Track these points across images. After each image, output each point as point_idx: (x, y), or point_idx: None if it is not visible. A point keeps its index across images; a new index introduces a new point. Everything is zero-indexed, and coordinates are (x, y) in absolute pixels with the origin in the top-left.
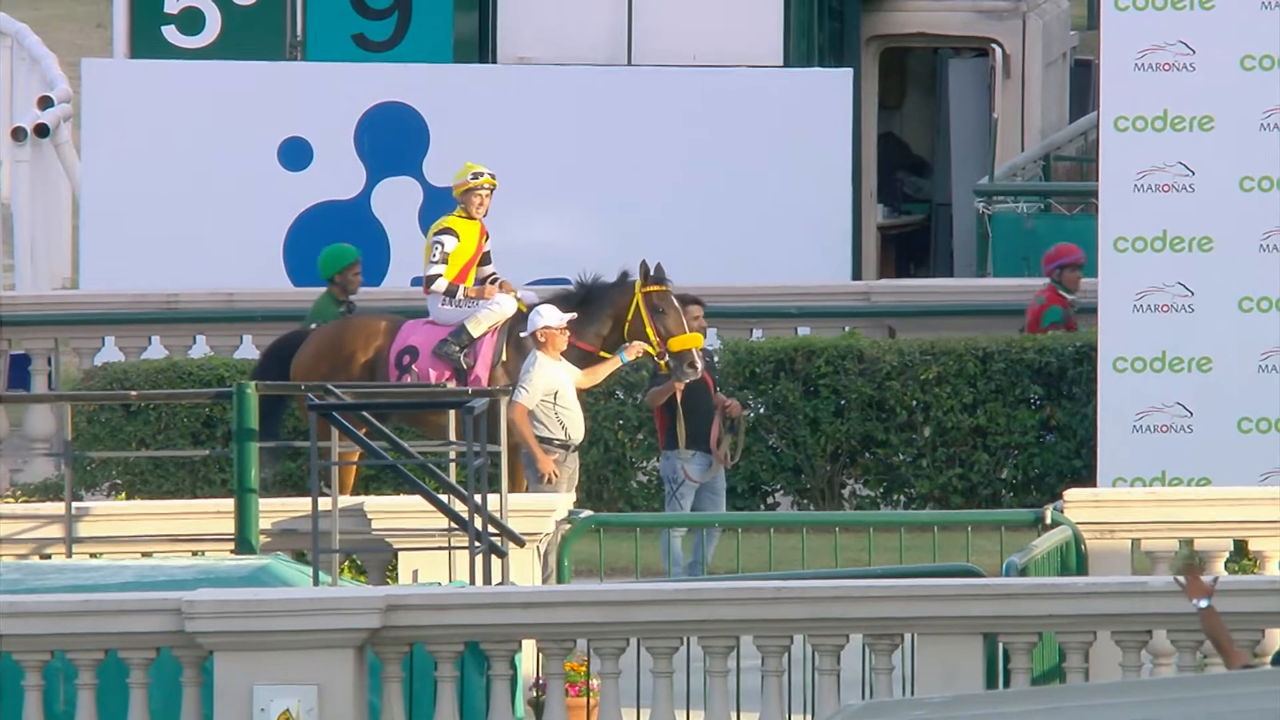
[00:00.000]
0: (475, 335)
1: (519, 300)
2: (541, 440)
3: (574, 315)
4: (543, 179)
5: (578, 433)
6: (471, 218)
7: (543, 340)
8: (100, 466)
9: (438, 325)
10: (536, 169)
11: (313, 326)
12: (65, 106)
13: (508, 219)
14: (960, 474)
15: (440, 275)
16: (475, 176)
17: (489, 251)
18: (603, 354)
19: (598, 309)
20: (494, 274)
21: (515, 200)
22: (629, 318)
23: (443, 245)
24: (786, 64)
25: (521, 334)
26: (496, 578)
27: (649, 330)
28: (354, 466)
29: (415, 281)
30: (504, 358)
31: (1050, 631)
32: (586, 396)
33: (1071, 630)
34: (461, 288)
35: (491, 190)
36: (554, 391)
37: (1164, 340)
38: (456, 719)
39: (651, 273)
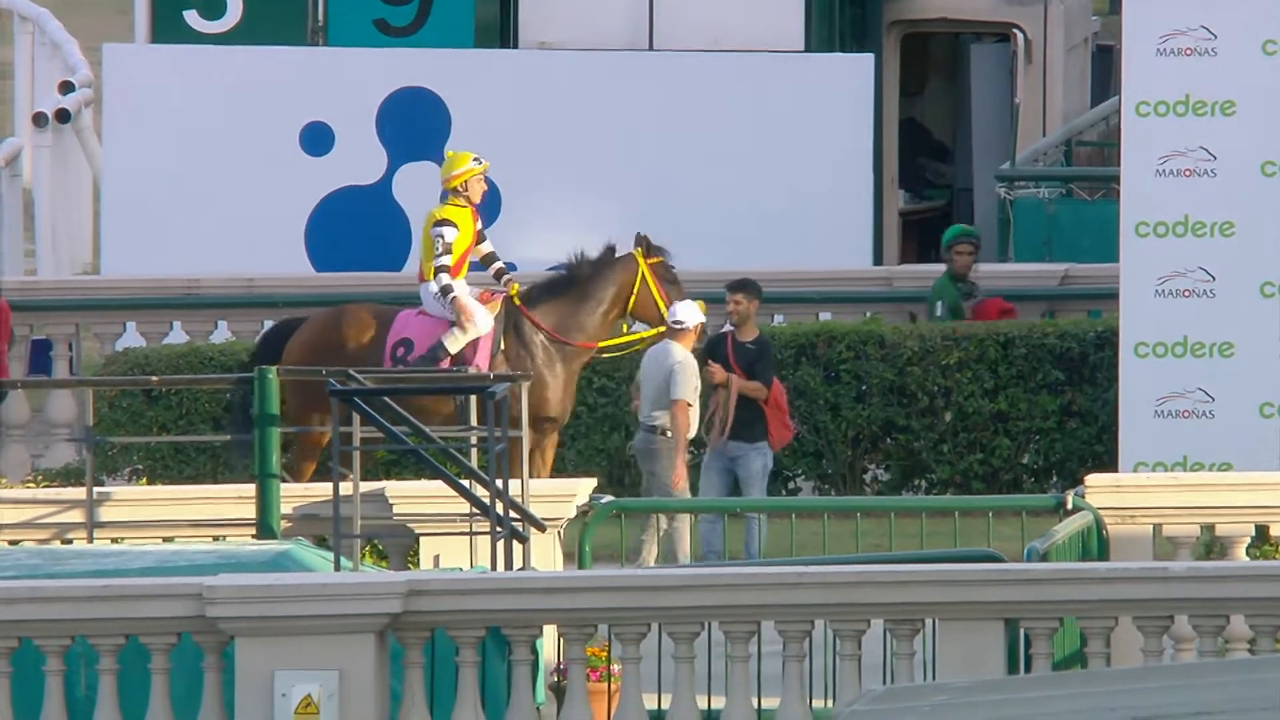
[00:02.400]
0: (451, 352)
1: (514, 285)
2: (650, 429)
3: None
4: (563, 164)
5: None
6: (467, 205)
7: (688, 334)
8: (121, 451)
9: (433, 317)
10: (557, 154)
11: (938, 307)
12: (86, 92)
13: (528, 203)
14: (981, 459)
15: (448, 267)
16: (477, 161)
17: (482, 230)
18: (638, 334)
19: (596, 284)
20: (493, 252)
21: (536, 185)
22: (635, 290)
23: (444, 237)
24: (808, 49)
25: (674, 324)
26: (518, 563)
27: (658, 300)
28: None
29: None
30: (503, 346)
31: (1071, 617)
32: (608, 381)
33: (1093, 615)
34: (454, 290)
35: (483, 174)
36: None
37: (1185, 325)
38: (478, 704)
39: (649, 244)
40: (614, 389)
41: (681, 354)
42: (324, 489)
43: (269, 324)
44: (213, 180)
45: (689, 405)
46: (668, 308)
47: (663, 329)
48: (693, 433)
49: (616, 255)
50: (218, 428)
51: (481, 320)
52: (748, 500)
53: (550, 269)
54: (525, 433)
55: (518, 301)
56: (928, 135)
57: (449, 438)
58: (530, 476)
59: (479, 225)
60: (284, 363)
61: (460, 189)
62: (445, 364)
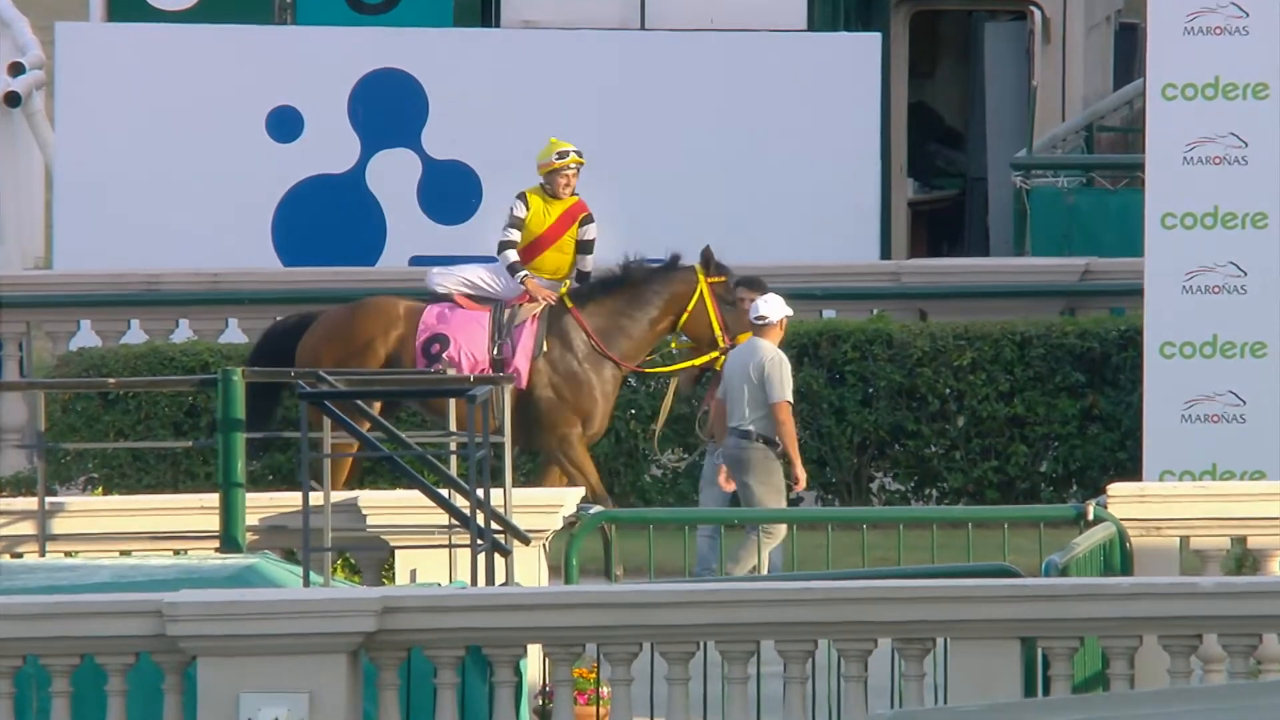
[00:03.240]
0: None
1: (565, 283)
2: (768, 443)
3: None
4: None
5: None
6: (556, 197)
7: (774, 329)
8: (76, 459)
9: (468, 311)
10: (542, 140)
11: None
12: (38, 73)
13: (511, 192)
14: (996, 467)
15: (512, 242)
16: (560, 156)
17: (589, 241)
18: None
19: (650, 292)
20: (588, 273)
21: (519, 173)
22: (690, 306)
23: (512, 210)
24: (811, 28)
25: (755, 320)
26: (500, 578)
27: (714, 321)
28: (348, 460)
29: (413, 261)
30: (545, 348)
31: (1093, 635)
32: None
33: (1115, 634)
34: (524, 272)
35: (578, 169)
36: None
37: (1215, 324)
38: None
39: (714, 261)
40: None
41: (773, 351)
42: (292, 499)
43: (234, 322)
44: (173, 169)
45: (790, 405)
46: (723, 332)
47: (714, 354)
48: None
49: (678, 266)
50: (179, 433)
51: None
52: (748, 511)
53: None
54: (508, 438)
55: (569, 303)
56: (939, 120)
57: (428, 444)
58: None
59: (584, 232)
60: (298, 364)
61: (544, 179)
62: (481, 366)
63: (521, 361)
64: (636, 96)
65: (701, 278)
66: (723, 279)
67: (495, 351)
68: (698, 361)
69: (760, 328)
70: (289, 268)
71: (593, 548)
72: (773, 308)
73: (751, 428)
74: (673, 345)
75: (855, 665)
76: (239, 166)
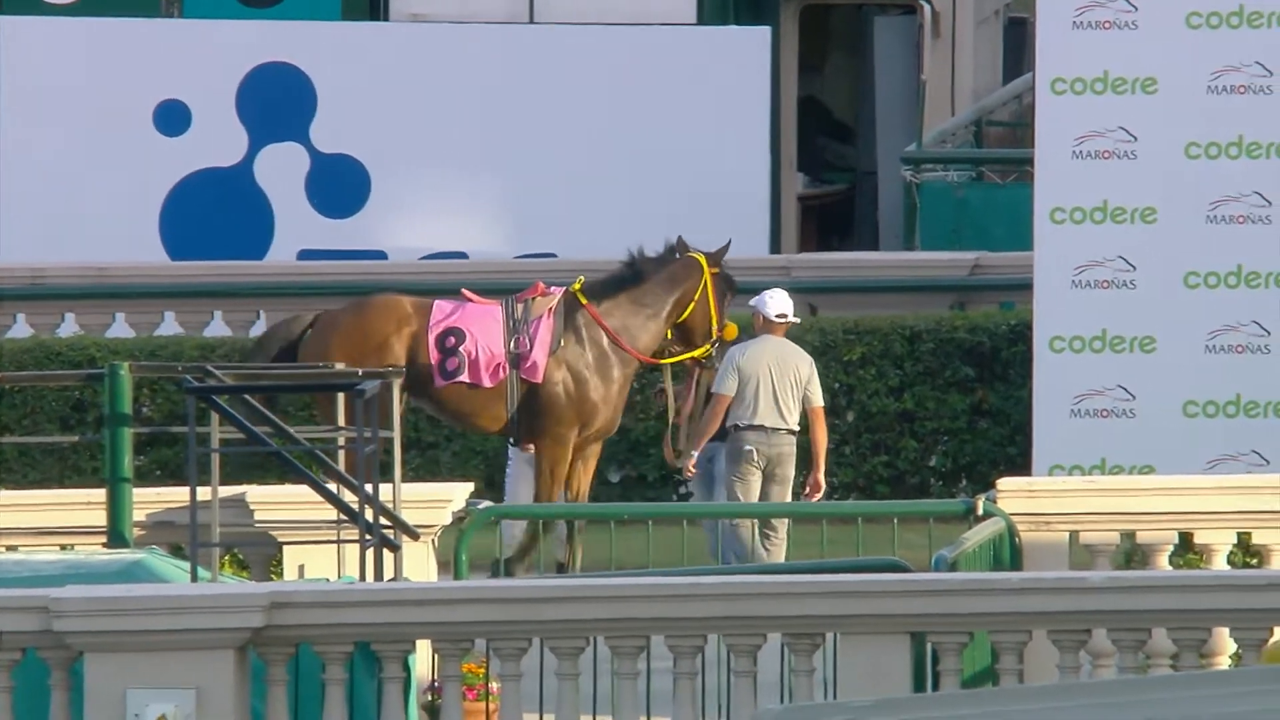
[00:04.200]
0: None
1: (580, 279)
2: (791, 432)
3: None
4: (437, 146)
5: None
6: None
7: (784, 327)
8: None
9: (479, 305)
10: (432, 135)
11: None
12: None
13: (399, 188)
14: (886, 462)
15: None
16: None
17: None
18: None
19: (661, 285)
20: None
21: (407, 169)
22: (696, 298)
23: None
24: (700, 22)
25: (776, 317)
26: (389, 573)
27: (713, 316)
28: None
29: (301, 255)
30: (562, 343)
31: (982, 630)
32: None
33: (1005, 629)
34: None
35: None
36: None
37: (1104, 318)
38: None
39: (719, 252)
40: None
41: (806, 352)
42: (179, 494)
43: (120, 317)
44: (59, 161)
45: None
46: (719, 328)
47: (707, 348)
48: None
49: (684, 257)
50: (65, 428)
51: None
52: (644, 507)
53: (452, 259)
54: (397, 432)
55: (583, 299)
56: (828, 114)
57: (316, 439)
58: (572, 489)
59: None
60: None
61: None
62: (499, 360)
63: (539, 355)
64: (525, 91)
65: (706, 269)
66: (720, 270)
67: (512, 346)
68: (698, 353)
69: (776, 325)
70: (176, 262)
71: (482, 543)
72: (787, 305)
73: (788, 426)
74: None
75: (745, 660)
76: (126, 160)
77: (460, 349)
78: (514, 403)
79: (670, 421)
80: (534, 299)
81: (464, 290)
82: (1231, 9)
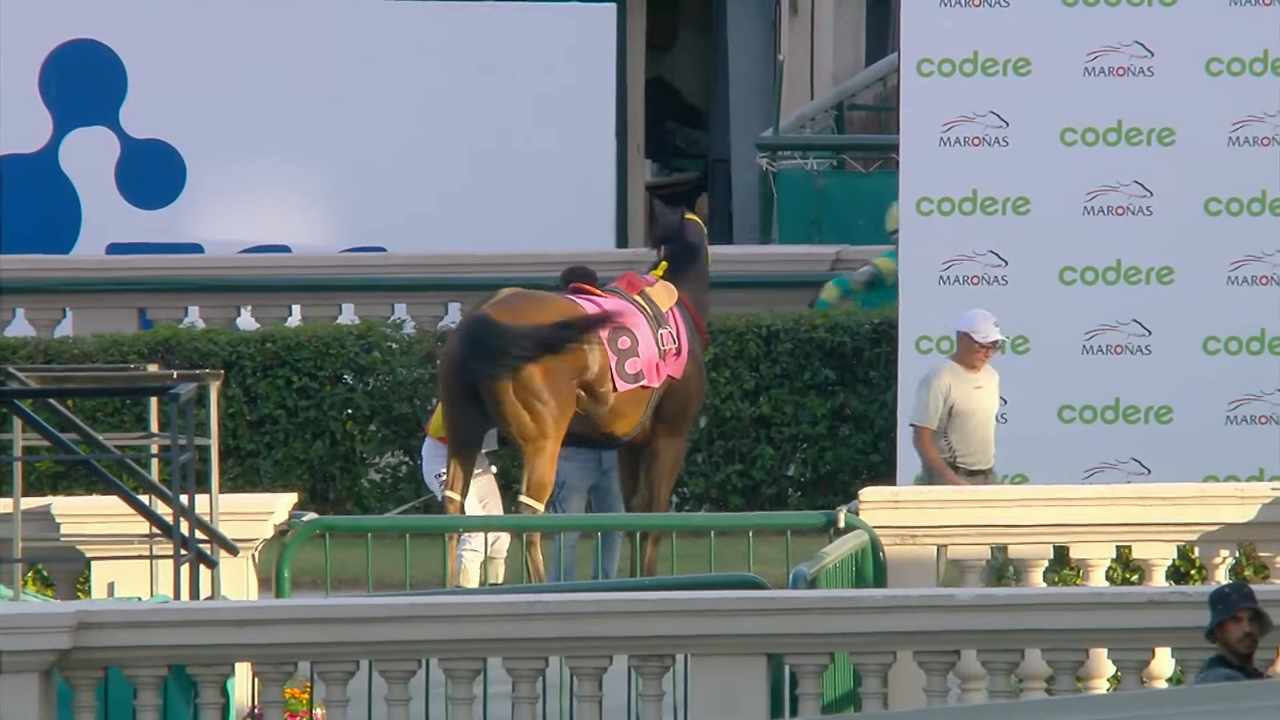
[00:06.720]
0: None
1: (662, 265)
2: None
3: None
4: (259, 129)
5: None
6: None
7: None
8: None
9: (616, 300)
10: (252, 117)
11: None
12: None
13: (217, 176)
14: (741, 470)
15: None
16: None
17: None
18: None
19: (702, 263)
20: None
21: (226, 154)
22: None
23: None
24: None
25: (990, 344)
26: (205, 591)
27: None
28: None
29: (111, 249)
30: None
31: (843, 652)
32: (310, 381)
33: (868, 650)
34: None
35: None
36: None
37: None
38: None
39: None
40: (316, 390)
41: (932, 370)
42: None
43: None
44: None
45: (916, 428)
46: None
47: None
48: None
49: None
50: None
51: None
52: (480, 519)
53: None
54: (215, 439)
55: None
56: (678, 97)
57: (127, 447)
58: (655, 489)
59: None
60: (528, 380)
61: None
62: (659, 361)
63: (684, 351)
64: (355, 70)
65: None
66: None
67: (663, 342)
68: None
69: (986, 348)
70: None
71: (306, 558)
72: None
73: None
74: None
75: (589, 684)
76: None
77: (638, 350)
78: (653, 403)
79: None
80: (646, 290)
81: (575, 283)
82: None
